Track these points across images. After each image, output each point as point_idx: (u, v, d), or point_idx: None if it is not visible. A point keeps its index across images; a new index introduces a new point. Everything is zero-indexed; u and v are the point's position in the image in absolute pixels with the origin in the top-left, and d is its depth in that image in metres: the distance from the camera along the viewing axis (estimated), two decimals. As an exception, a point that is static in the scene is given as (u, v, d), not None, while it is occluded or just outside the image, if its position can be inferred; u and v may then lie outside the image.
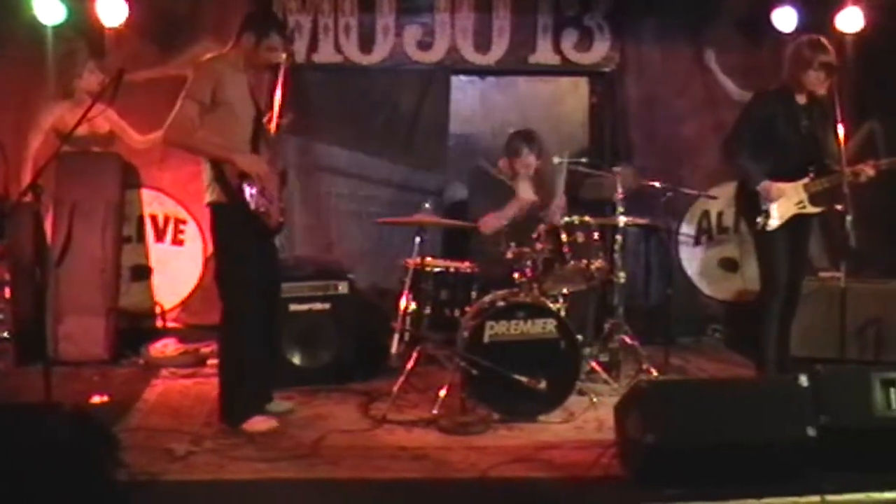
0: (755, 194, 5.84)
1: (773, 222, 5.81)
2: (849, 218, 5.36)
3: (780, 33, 7.18)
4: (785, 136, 5.84)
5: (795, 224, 5.87)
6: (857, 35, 7.11)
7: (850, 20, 7.05)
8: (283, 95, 5.24)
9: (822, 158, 5.80)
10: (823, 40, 5.81)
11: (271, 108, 5.26)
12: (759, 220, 5.83)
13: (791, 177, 5.82)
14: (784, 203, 5.81)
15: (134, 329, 7.09)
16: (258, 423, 5.17)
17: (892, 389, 4.48)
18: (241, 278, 5.14)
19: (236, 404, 5.20)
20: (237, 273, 5.15)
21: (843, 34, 7.08)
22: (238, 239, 5.11)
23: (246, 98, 5.14)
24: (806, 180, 5.81)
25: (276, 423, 5.23)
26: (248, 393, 5.23)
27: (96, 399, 5.81)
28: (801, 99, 5.85)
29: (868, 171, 5.74)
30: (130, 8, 6.77)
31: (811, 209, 5.84)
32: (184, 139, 5.06)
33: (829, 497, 4.16)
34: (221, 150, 5.04)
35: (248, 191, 5.01)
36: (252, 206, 5.03)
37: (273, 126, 5.25)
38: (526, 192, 6.55)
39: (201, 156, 5.14)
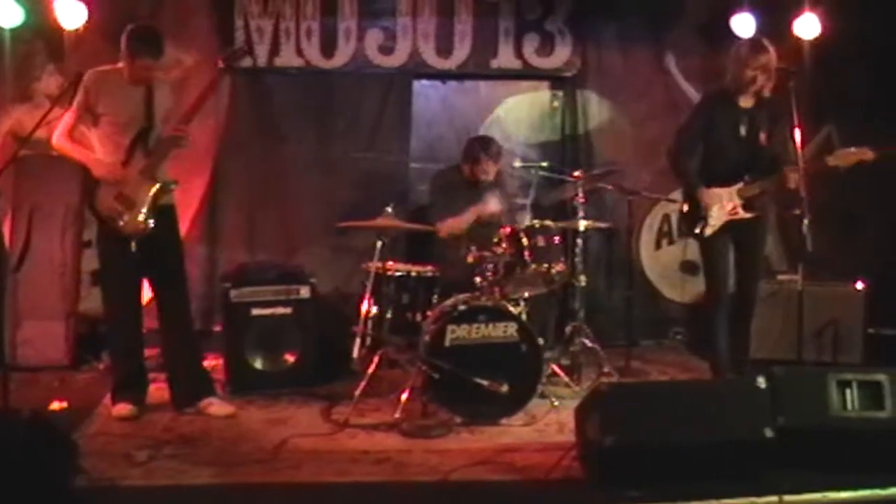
0: (695, 201, 5.89)
1: (709, 229, 5.86)
2: (806, 221, 5.40)
3: (739, 38, 7.25)
4: (723, 141, 5.87)
5: (737, 230, 5.90)
6: (815, 41, 7.19)
7: (807, 26, 7.13)
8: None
9: (760, 163, 5.82)
10: (764, 42, 5.81)
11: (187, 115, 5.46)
12: (697, 226, 5.89)
13: (727, 181, 5.84)
14: (717, 210, 5.84)
15: (94, 334, 7.00)
16: (120, 409, 5.51)
17: (847, 390, 4.53)
18: (105, 279, 5.66)
19: (112, 388, 5.66)
20: (102, 273, 5.68)
21: (800, 40, 7.16)
22: (101, 241, 5.59)
23: (132, 109, 5.36)
24: (740, 185, 5.83)
25: (133, 411, 5.50)
26: (118, 381, 5.62)
27: (55, 405, 5.74)
28: (746, 102, 5.85)
29: (794, 176, 5.59)
30: (90, 10, 6.72)
31: (744, 214, 5.84)
32: (58, 144, 5.42)
33: (787, 497, 4.20)
34: (81, 156, 5.42)
35: (99, 194, 5.35)
36: (100, 209, 5.36)
37: (161, 140, 5.43)
38: (493, 203, 6.55)
39: (74, 160, 5.48)
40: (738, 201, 5.84)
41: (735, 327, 6.01)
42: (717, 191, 5.84)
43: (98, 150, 5.42)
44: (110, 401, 5.61)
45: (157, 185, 5.37)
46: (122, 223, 5.32)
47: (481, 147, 6.67)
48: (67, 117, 5.38)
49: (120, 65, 5.38)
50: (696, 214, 5.90)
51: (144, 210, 5.33)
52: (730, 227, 5.88)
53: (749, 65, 5.72)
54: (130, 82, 5.36)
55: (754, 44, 5.83)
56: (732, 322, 6.00)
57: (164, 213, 5.45)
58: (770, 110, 5.82)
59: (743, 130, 5.86)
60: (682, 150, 6.00)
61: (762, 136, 5.83)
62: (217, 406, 5.61)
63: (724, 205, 5.84)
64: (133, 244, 5.37)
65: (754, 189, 5.81)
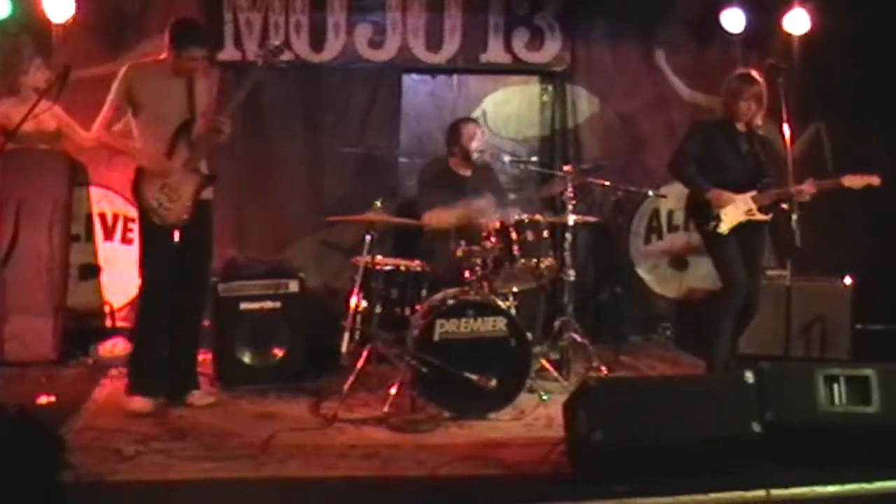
0: (705, 202, 5.93)
1: (724, 226, 5.88)
2: (794, 217, 5.42)
3: (728, 34, 7.27)
4: (725, 157, 5.98)
5: (746, 232, 5.95)
6: (804, 37, 7.21)
7: (796, 22, 7.17)
8: (219, 105, 5.59)
9: (763, 179, 5.92)
10: (753, 73, 5.96)
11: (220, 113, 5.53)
12: (710, 222, 5.90)
13: (735, 191, 5.92)
14: (733, 210, 5.89)
15: (82, 329, 7.01)
16: (134, 402, 5.45)
17: (835, 385, 4.54)
18: (149, 270, 5.55)
19: (130, 378, 5.59)
20: (142, 262, 5.56)
21: (789, 36, 7.18)
22: (144, 231, 5.53)
23: (171, 101, 5.39)
24: (753, 193, 5.92)
25: (151, 407, 5.43)
26: (140, 373, 5.53)
27: (43, 400, 5.71)
28: (741, 127, 6.00)
29: (809, 190, 5.84)
30: (78, 4, 6.70)
31: (760, 216, 5.93)
32: (100, 137, 5.49)
33: (774, 491, 4.20)
34: (125, 147, 5.49)
35: (144, 184, 5.38)
36: (144, 199, 5.37)
37: (201, 132, 5.47)
38: (481, 201, 6.54)
39: (121, 153, 5.68)
40: (753, 206, 5.92)
41: (733, 327, 6.03)
42: (731, 193, 5.90)
43: (139, 142, 5.44)
44: (126, 393, 5.55)
45: (200, 178, 5.46)
46: (166, 213, 5.38)
47: (458, 120, 6.81)
48: (105, 112, 5.40)
49: (162, 56, 5.43)
50: (707, 211, 5.94)
51: (188, 203, 5.41)
52: (739, 229, 5.92)
53: (741, 96, 5.89)
54: (174, 74, 5.40)
55: (743, 76, 5.99)
56: (732, 321, 6.02)
57: (202, 207, 5.52)
58: (762, 140, 6.01)
59: (744, 149, 5.98)
60: (682, 160, 6.07)
61: (762, 157, 5.95)
62: (199, 396, 5.67)
63: (738, 206, 5.90)
64: (176, 234, 5.45)
65: (768, 198, 5.90)
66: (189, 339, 5.72)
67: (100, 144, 5.61)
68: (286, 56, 7.18)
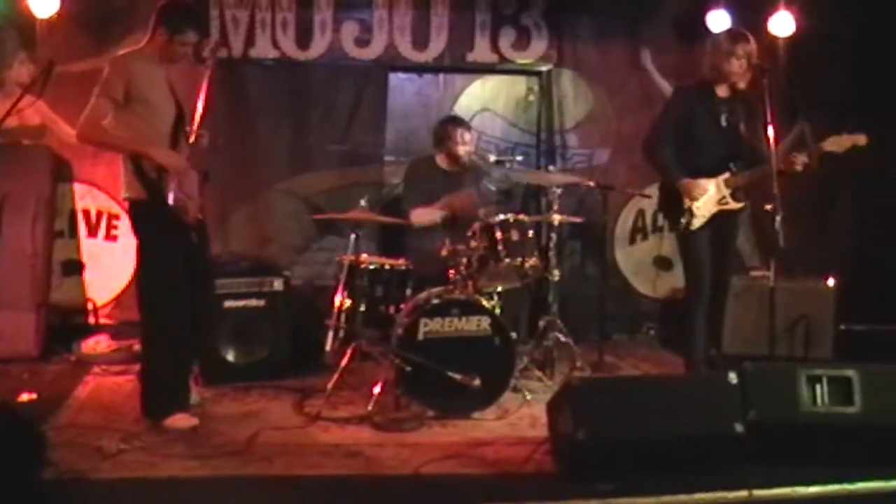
0: (676, 194, 5.82)
1: (697, 221, 5.80)
2: (778, 217, 5.43)
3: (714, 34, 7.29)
4: (705, 132, 5.82)
5: (718, 222, 5.86)
6: (789, 38, 7.24)
7: (781, 24, 7.19)
8: (206, 106, 5.18)
9: (742, 153, 5.81)
10: (744, 31, 5.84)
11: (194, 112, 5.17)
12: (682, 220, 5.81)
13: (712, 173, 5.81)
14: (706, 201, 5.80)
15: (65, 325, 6.99)
16: (180, 421, 5.12)
17: (817, 385, 4.56)
18: (162, 274, 5.13)
19: (157, 400, 5.18)
20: (158, 269, 5.14)
21: (775, 37, 7.20)
22: (158, 234, 5.09)
23: (165, 93, 5.08)
24: (727, 175, 5.80)
25: (197, 421, 5.16)
26: (169, 389, 5.20)
27: (25, 396, 5.68)
28: (722, 91, 5.84)
29: (802, 159, 5.68)
30: (63, -1, 6.66)
31: (733, 205, 5.84)
32: (97, 135, 5.03)
33: (756, 491, 4.22)
34: (137, 144, 5.01)
35: (167, 184, 4.98)
36: (170, 200, 4.98)
37: (192, 135, 5.15)
38: (464, 192, 6.55)
39: (117, 151, 5.11)
40: (726, 192, 5.82)
41: (710, 320, 5.99)
42: (703, 182, 5.79)
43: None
44: (162, 417, 5.10)
45: (200, 175, 5.24)
46: (189, 213, 5.09)
47: (450, 121, 6.80)
48: (97, 107, 4.92)
49: (144, 44, 5.12)
50: (678, 207, 5.83)
51: (198, 201, 5.20)
52: (712, 219, 5.84)
53: (735, 53, 5.71)
54: (161, 62, 5.08)
55: (737, 33, 5.83)
56: (707, 315, 5.97)
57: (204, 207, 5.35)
58: (745, 102, 5.83)
59: (724, 120, 5.83)
60: (657, 142, 5.90)
61: (741, 126, 5.82)
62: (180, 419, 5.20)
63: (711, 196, 5.81)
64: (194, 235, 5.17)
65: (741, 179, 5.79)
66: (196, 348, 5.56)
67: (92, 141, 5.20)
68: (273, 53, 7.24)
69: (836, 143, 5.66)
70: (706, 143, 5.85)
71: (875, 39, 7.26)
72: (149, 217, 5.09)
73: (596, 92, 7.74)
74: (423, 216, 6.42)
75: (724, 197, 5.83)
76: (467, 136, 6.71)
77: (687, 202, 5.80)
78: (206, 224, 5.42)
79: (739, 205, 5.86)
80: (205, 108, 5.17)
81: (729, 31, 5.93)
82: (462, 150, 6.65)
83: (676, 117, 5.90)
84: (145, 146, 4.99)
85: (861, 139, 5.65)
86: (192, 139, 5.12)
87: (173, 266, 5.13)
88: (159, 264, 5.13)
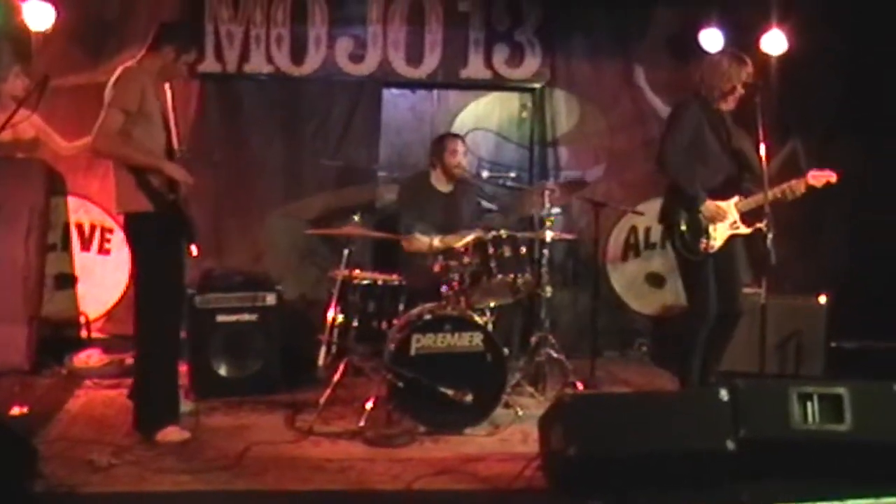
0: (694, 213, 5.72)
1: (714, 245, 5.75)
2: (770, 236, 5.44)
3: (707, 53, 7.32)
4: (714, 151, 5.79)
5: (728, 246, 5.83)
6: (781, 57, 7.27)
7: (773, 42, 7.21)
8: (189, 121, 5.29)
9: (747, 173, 5.82)
10: (744, 55, 5.86)
11: (178, 128, 5.30)
12: (702, 241, 5.72)
13: (723, 193, 5.78)
14: (722, 226, 5.76)
15: (57, 338, 6.97)
16: (172, 433, 5.14)
17: (808, 403, 4.56)
18: (168, 287, 5.18)
19: (153, 413, 5.20)
20: (164, 282, 5.17)
21: (766, 56, 7.23)
22: (159, 247, 5.12)
23: (160, 109, 5.15)
24: (737, 199, 5.79)
25: (189, 434, 5.18)
26: (163, 401, 5.22)
27: (16, 410, 5.67)
28: (723, 106, 5.84)
29: (799, 187, 5.70)
30: (58, 12, 6.67)
31: (743, 229, 5.79)
32: (114, 148, 5.02)
33: (747, 508, 4.24)
34: (151, 159, 5.05)
35: (180, 198, 5.07)
36: (184, 212, 5.10)
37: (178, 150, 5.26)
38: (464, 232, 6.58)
39: (130, 164, 5.05)
40: (737, 216, 5.79)
41: (716, 344, 5.94)
42: (721, 205, 5.75)
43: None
44: (154, 428, 5.12)
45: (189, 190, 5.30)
46: (195, 226, 5.18)
47: (445, 135, 6.87)
48: (113, 119, 4.92)
49: (138, 60, 5.15)
50: (698, 231, 5.74)
51: (192, 213, 5.25)
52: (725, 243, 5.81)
53: (737, 77, 5.72)
54: (158, 78, 5.15)
55: (739, 57, 5.82)
56: (713, 339, 5.92)
57: None
58: (738, 119, 5.85)
59: (729, 139, 5.83)
60: (674, 154, 5.76)
61: (742, 146, 5.83)
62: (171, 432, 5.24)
63: (727, 220, 5.77)
64: (195, 247, 5.21)
65: (751, 204, 5.75)
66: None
67: (106, 154, 5.13)
68: (267, 68, 7.26)
69: (816, 179, 5.75)
70: (716, 162, 5.81)
71: (866, 57, 7.31)
72: (150, 230, 5.10)
73: (589, 109, 7.77)
74: (418, 245, 6.40)
75: (735, 221, 5.79)
76: (460, 148, 6.73)
77: (708, 224, 5.74)
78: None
79: (748, 230, 5.76)
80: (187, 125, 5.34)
81: (731, 55, 5.88)
82: (454, 160, 6.68)
83: (687, 128, 5.78)
84: (157, 160, 5.05)
85: (832, 177, 5.76)
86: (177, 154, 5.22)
87: (172, 279, 5.20)
88: (159, 277, 5.16)
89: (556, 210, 6.39)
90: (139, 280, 5.25)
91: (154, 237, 5.11)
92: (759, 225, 5.50)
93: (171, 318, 5.22)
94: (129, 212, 5.14)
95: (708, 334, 5.91)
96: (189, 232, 5.16)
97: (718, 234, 5.77)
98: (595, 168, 7.71)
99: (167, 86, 5.29)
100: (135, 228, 5.17)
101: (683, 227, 5.78)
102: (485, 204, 7.13)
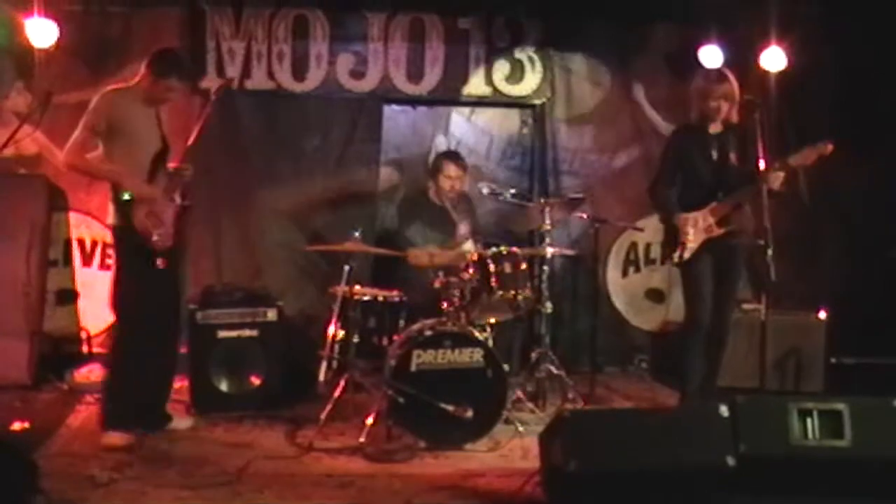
0: (674, 229, 5.93)
1: (687, 252, 5.88)
2: (769, 251, 5.45)
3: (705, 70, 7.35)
4: (696, 168, 5.94)
5: (716, 254, 5.90)
6: (780, 73, 7.29)
7: (773, 59, 7.23)
8: (195, 140, 5.56)
9: (731, 183, 5.86)
10: (722, 70, 5.98)
11: (187, 145, 5.56)
12: (676, 252, 5.92)
13: (700, 205, 5.90)
14: (696, 232, 5.86)
15: (58, 354, 6.98)
16: (113, 438, 5.29)
17: (808, 419, 4.56)
18: (132, 297, 5.42)
19: (107, 413, 5.40)
20: (127, 292, 5.44)
21: (766, 72, 7.26)
22: (131, 259, 5.41)
23: (150, 128, 5.41)
24: (713, 204, 5.87)
25: (133, 440, 5.31)
26: (117, 406, 5.37)
27: (17, 425, 5.68)
28: (715, 128, 5.93)
29: (778, 175, 5.69)
30: (60, 29, 6.68)
31: (717, 230, 5.85)
32: (78, 163, 5.37)
33: (747, 524, 4.24)
34: (112, 174, 5.37)
35: (133, 210, 5.30)
36: (138, 224, 5.28)
37: (179, 167, 5.52)
38: (467, 244, 6.60)
39: (97, 178, 5.61)
40: (711, 220, 5.87)
41: (709, 355, 6.01)
42: (694, 214, 5.88)
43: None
44: (102, 427, 5.36)
45: (178, 207, 5.51)
46: (154, 239, 5.33)
47: (446, 156, 6.93)
48: (79, 137, 5.29)
49: (135, 81, 5.43)
50: (674, 241, 5.94)
51: (171, 230, 5.42)
52: (708, 250, 5.89)
53: (711, 95, 5.85)
54: (145, 103, 5.41)
55: (712, 74, 5.99)
56: (706, 350, 6.00)
57: (180, 235, 5.57)
58: (738, 132, 5.89)
59: (714, 154, 5.92)
60: (660, 185, 6.08)
61: (732, 157, 5.88)
62: (178, 421, 5.72)
63: (698, 224, 5.87)
64: (159, 261, 5.38)
65: (727, 205, 5.84)
66: (169, 370, 5.73)
67: (76, 169, 5.45)
68: (269, 85, 7.30)
69: (802, 157, 5.73)
70: (696, 177, 5.95)
71: (865, 73, 7.32)
72: (122, 241, 5.43)
73: (588, 125, 7.79)
74: (420, 258, 6.43)
75: (710, 225, 5.88)
76: (453, 171, 6.77)
77: (681, 236, 5.89)
78: (182, 251, 5.71)
79: (722, 230, 5.86)
80: (194, 143, 5.53)
81: (706, 73, 6.05)
82: (447, 183, 6.72)
83: (675, 158, 6.05)
84: (118, 175, 5.33)
85: (826, 148, 5.70)
86: (174, 171, 5.47)
87: (138, 288, 5.40)
88: (126, 285, 5.44)
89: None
90: (112, 286, 5.53)
91: (124, 249, 5.44)
92: (759, 241, 5.51)
93: (134, 323, 5.40)
94: (109, 224, 5.47)
95: (704, 347, 5.98)
96: (148, 245, 5.34)
97: (691, 242, 5.87)
98: (595, 184, 7.72)
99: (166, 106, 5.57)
100: (113, 239, 5.54)
101: (664, 239, 6.12)
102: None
